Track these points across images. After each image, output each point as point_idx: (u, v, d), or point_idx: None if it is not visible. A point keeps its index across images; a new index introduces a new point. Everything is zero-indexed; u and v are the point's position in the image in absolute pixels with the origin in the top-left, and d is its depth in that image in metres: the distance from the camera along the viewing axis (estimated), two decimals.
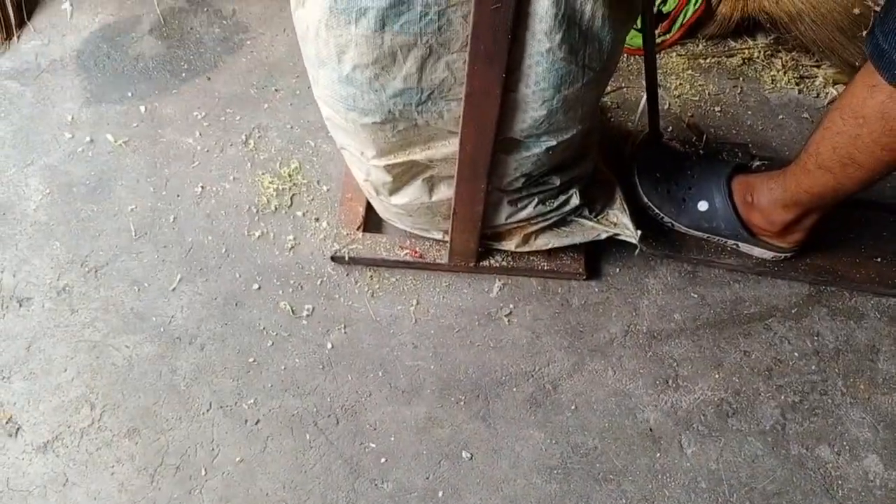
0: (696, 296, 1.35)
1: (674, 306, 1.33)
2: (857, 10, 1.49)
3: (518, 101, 1.04)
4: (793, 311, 1.33)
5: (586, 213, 1.30)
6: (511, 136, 1.10)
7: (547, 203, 1.23)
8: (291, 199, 1.45)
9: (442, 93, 1.04)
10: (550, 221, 1.26)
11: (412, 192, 1.23)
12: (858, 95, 1.02)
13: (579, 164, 1.22)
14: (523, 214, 1.24)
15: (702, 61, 1.63)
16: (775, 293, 1.36)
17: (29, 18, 1.70)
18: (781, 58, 1.62)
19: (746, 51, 1.63)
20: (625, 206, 1.31)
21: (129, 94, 1.58)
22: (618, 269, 1.38)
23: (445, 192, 1.22)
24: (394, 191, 1.24)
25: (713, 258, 1.36)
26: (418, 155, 1.16)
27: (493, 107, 1.02)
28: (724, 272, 1.38)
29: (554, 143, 1.10)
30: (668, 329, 1.31)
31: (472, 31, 0.92)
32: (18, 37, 1.67)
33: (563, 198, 1.25)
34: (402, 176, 1.21)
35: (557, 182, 1.22)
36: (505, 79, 0.99)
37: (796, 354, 1.29)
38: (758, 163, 1.43)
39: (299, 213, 1.43)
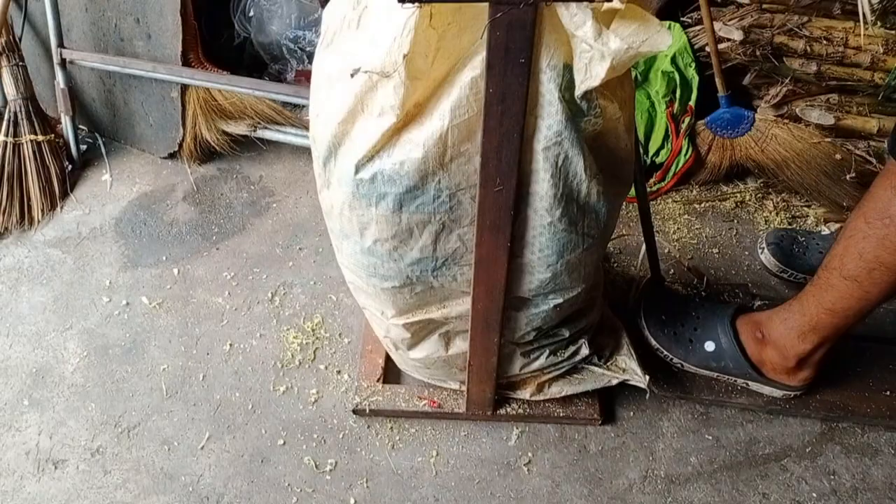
0: (710, 438, 1.38)
1: (689, 449, 1.36)
2: (838, 156, 1.60)
3: (524, 265, 1.13)
4: (807, 450, 1.35)
5: (596, 360, 1.36)
6: (520, 295, 1.18)
7: (558, 354, 1.29)
8: (314, 352, 1.52)
9: (455, 259, 1.13)
10: (562, 370, 1.32)
11: (429, 347, 1.30)
12: (882, 198, 1.08)
13: (586, 315, 1.29)
14: (536, 365, 1.30)
15: (697, 206, 1.74)
16: (788, 431, 1.38)
17: (72, 190, 1.86)
18: (772, 199, 1.73)
19: (738, 194, 1.74)
20: (632, 351, 1.36)
21: (164, 258, 1.70)
22: (632, 413, 1.42)
23: (461, 345, 1.29)
24: (412, 346, 1.31)
25: (724, 398, 1.40)
26: (435, 313, 1.23)
27: (500, 271, 1.11)
28: (736, 412, 1.41)
29: (560, 300, 1.18)
30: (686, 473, 1.33)
31: (479, 208, 1.02)
32: (62, 207, 1.82)
33: (572, 348, 1.32)
34: (419, 332, 1.28)
35: (567, 334, 1.28)
36: (510, 247, 1.08)
37: (814, 495, 1.30)
38: (759, 303, 1.49)
39: (322, 367, 1.50)
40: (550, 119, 0.93)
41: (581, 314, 1.28)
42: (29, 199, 1.78)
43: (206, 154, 1.89)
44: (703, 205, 1.74)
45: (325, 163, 1.12)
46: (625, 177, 1.11)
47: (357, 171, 1.04)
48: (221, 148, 1.86)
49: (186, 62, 1.72)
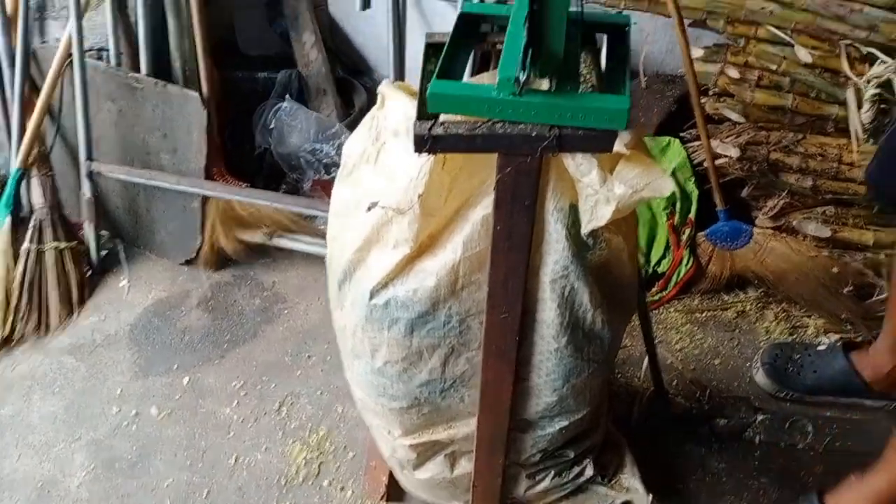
0: None
1: None
2: (835, 269, 1.65)
3: (531, 388, 1.15)
4: None
5: (600, 479, 1.36)
6: (526, 417, 1.20)
7: (563, 475, 1.30)
8: (319, 467, 1.52)
9: (463, 382, 1.16)
10: (567, 491, 1.32)
11: (435, 468, 1.30)
12: None
13: (591, 435, 1.30)
14: (541, 487, 1.30)
15: (698, 315, 1.77)
16: None
17: (90, 296, 1.90)
18: (772, 309, 1.76)
19: (739, 304, 1.77)
20: (635, 469, 1.37)
21: (175, 367, 1.72)
22: None
23: (466, 466, 1.29)
24: (418, 466, 1.31)
25: None
26: (441, 434, 1.25)
27: (506, 395, 1.13)
28: None
29: (566, 423, 1.19)
30: None
31: (485, 334, 1.06)
32: (79, 313, 1.86)
33: (577, 469, 1.32)
34: (425, 452, 1.29)
35: (572, 454, 1.29)
36: (516, 371, 1.10)
37: None
38: (761, 417, 1.51)
39: (325, 483, 1.49)
40: (557, 255, 0.97)
41: (586, 435, 1.29)
42: (48, 306, 1.82)
43: (222, 260, 1.94)
44: (704, 314, 1.77)
45: (341, 285, 1.16)
46: (628, 303, 1.15)
47: (371, 296, 1.08)
48: (237, 255, 1.92)
49: (209, 175, 1.80)
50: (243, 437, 1.58)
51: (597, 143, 0.85)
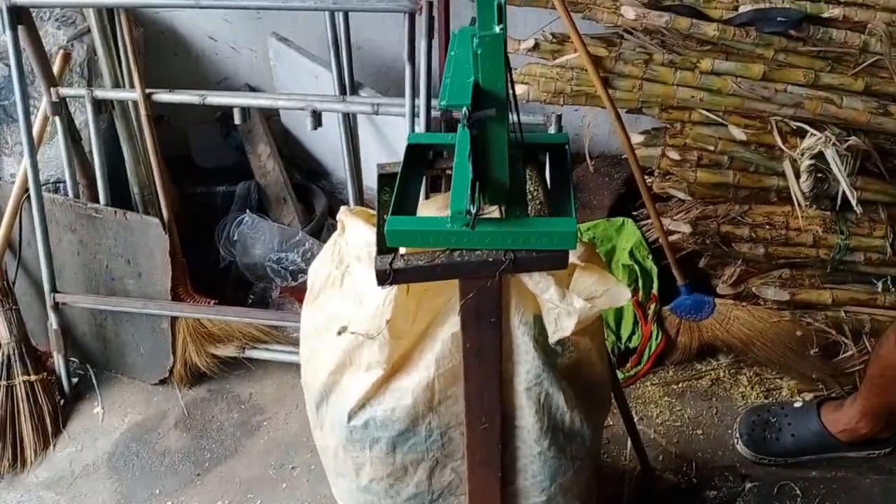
0: None
1: None
2: (799, 332, 1.70)
3: (518, 490, 1.16)
4: None
5: None
6: None
7: None
8: None
9: (451, 491, 1.16)
10: None
11: None
12: None
13: None
14: None
15: (674, 386, 1.80)
16: None
17: (64, 426, 1.87)
18: (745, 374, 1.80)
19: (712, 371, 1.81)
20: None
21: (157, 491, 1.69)
22: None
23: None
24: None
25: None
26: None
27: (494, 501, 1.14)
28: None
29: None
30: None
31: (468, 445, 1.07)
32: (54, 445, 1.82)
33: None
34: None
35: None
36: (502, 477, 1.12)
37: None
38: (749, 484, 1.52)
39: None
40: (528, 364, 1.00)
41: None
42: (21, 441, 1.78)
43: (196, 377, 1.93)
44: (680, 385, 1.81)
45: (318, 407, 1.17)
46: (603, 397, 1.18)
47: (350, 418, 1.09)
48: (211, 370, 1.91)
49: (176, 296, 1.81)
50: None
51: (551, 262, 0.89)
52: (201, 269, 2.06)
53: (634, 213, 1.87)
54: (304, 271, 1.99)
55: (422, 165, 1.05)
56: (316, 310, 1.17)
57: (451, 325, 1.00)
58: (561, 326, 0.94)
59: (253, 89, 2.33)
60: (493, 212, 0.92)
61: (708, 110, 1.67)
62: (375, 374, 1.03)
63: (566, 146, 1.03)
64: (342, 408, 1.10)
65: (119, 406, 1.92)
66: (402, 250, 0.91)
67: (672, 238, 1.75)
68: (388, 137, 2.13)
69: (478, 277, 0.90)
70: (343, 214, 1.12)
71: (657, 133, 1.78)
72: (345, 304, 1.10)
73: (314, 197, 2.19)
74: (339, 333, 1.05)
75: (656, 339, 1.80)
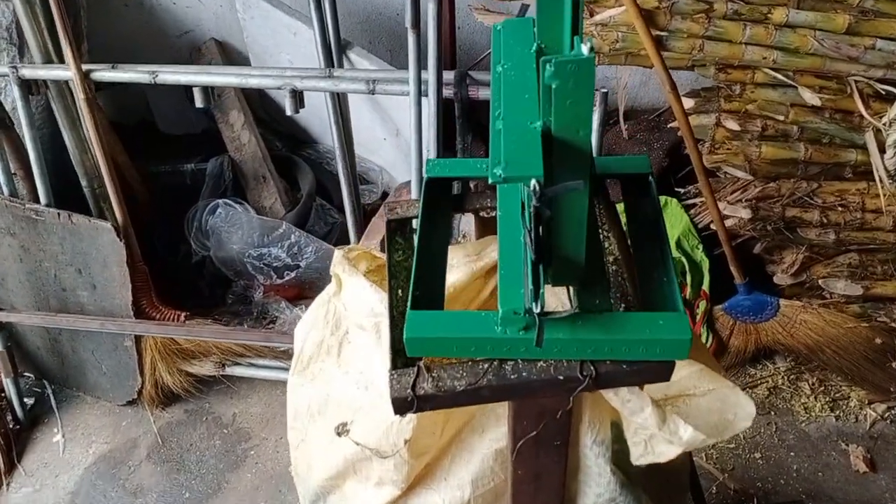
0: None
1: None
2: (878, 340, 1.44)
3: None
4: None
5: None
6: None
7: None
8: None
9: None
10: None
11: None
12: None
13: None
14: None
15: None
16: None
17: (20, 459, 1.62)
18: (808, 380, 1.56)
19: (769, 378, 1.57)
20: None
21: None
22: None
23: None
24: None
25: None
26: None
27: None
28: None
29: None
30: None
31: None
32: (8, 484, 1.57)
33: None
34: None
35: None
36: None
37: None
38: None
39: None
40: (600, 488, 0.74)
41: None
42: None
43: (169, 397, 1.67)
44: None
45: (314, 503, 0.91)
46: (681, 483, 0.92)
47: None
48: (186, 390, 1.64)
49: (139, 310, 1.52)
50: None
51: (648, 377, 0.61)
52: (171, 264, 1.77)
53: (680, 192, 1.58)
54: (291, 268, 1.69)
55: (447, 207, 0.75)
56: (306, 381, 0.90)
57: (494, 439, 0.73)
58: (654, 451, 0.67)
59: (220, 44, 1.97)
60: (558, 301, 0.63)
61: (774, 69, 1.35)
62: (390, 492, 0.77)
63: (650, 178, 0.73)
64: None
65: (83, 432, 1.66)
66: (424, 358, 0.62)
67: (728, 223, 1.46)
68: (380, 102, 1.80)
69: (540, 399, 0.62)
70: (338, 265, 0.83)
71: (708, 95, 1.47)
72: (345, 384, 0.83)
73: (299, 172, 1.87)
74: (339, 434, 0.78)
75: (706, 342, 1.54)
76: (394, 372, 0.61)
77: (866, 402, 1.51)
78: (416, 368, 0.61)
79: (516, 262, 0.61)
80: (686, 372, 0.69)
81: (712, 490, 1.42)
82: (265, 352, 1.60)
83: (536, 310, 0.56)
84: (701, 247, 1.55)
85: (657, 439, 0.65)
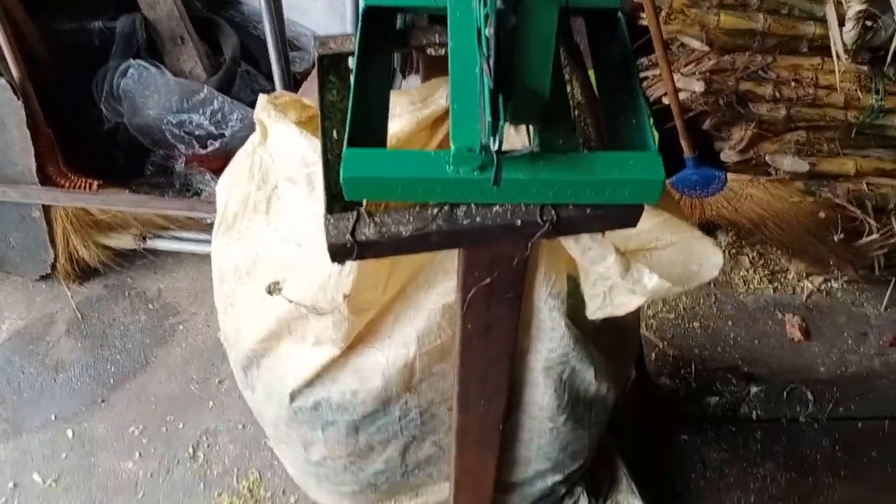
0: None
1: None
2: (822, 214, 1.44)
3: (518, 459, 0.92)
4: None
5: (594, 501, 1.17)
6: (513, 481, 0.97)
7: None
8: None
9: (430, 462, 0.92)
10: None
11: None
12: None
13: (583, 464, 1.09)
14: None
15: None
16: None
17: None
18: (748, 255, 1.57)
19: None
20: (631, 484, 1.18)
21: (53, 417, 1.38)
22: None
23: None
24: None
25: None
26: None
27: (488, 478, 0.90)
28: None
29: (560, 477, 0.98)
30: None
31: (459, 427, 0.80)
32: None
33: (570, 501, 1.12)
34: None
35: (563, 490, 1.09)
36: (500, 449, 0.86)
37: None
38: (755, 389, 1.34)
39: None
40: (553, 343, 0.70)
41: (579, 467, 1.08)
42: None
43: (87, 271, 1.56)
44: None
45: (246, 369, 0.87)
46: (632, 343, 0.90)
47: (293, 399, 0.80)
48: (104, 264, 1.54)
49: (45, 177, 1.38)
50: (156, 495, 1.29)
51: (613, 221, 0.55)
52: (80, 132, 1.61)
53: None
54: (214, 136, 1.56)
55: (389, 41, 0.65)
56: (232, 241, 0.82)
57: (441, 293, 0.68)
58: (613, 303, 0.63)
59: None
60: (517, 139, 0.56)
61: None
62: (328, 351, 0.72)
63: (619, 14, 0.65)
64: (281, 383, 0.80)
65: None
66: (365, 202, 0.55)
67: (680, 96, 1.41)
68: None
69: (495, 246, 0.56)
70: (263, 111, 0.73)
71: None
72: (275, 242, 0.75)
73: (221, 34, 1.70)
74: (270, 292, 0.72)
75: None
76: (330, 217, 0.54)
77: (804, 274, 1.54)
78: (355, 213, 0.53)
79: (471, 95, 0.53)
80: (649, 224, 0.64)
81: (651, 357, 1.43)
82: (189, 224, 1.50)
83: (494, 146, 0.49)
84: (651, 120, 1.50)
85: (618, 289, 0.60)
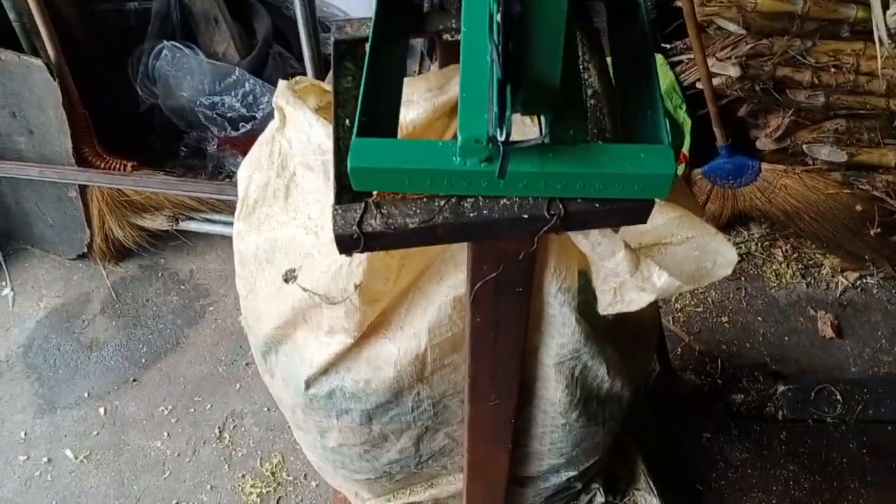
0: None
1: None
2: (859, 207, 1.40)
3: (531, 453, 0.92)
4: None
5: (611, 498, 1.16)
6: (526, 475, 0.97)
7: None
8: (278, 502, 1.29)
9: (444, 453, 0.92)
10: None
11: None
12: None
13: (600, 460, 1.08)
14: None
15: None
16: None
17: None
18: (781, 247, 1.52)
19: (742, 244, 1.53)
20: (649, 481, 1.17)
21: (86, 394, 1.43)
22: None
23: None
24: None
25: None
26: (421, 495, 1.03)
27: (501, 471, 0.90)
28: None
29: (575, 473, 0.98)
30: None
31: (470, 421, 0.80)
32: None
33: (585, 498, 1.12)
34: None
35: (579, 486, 1.08)
36: (512, 444, 0.86)
37: None
38: (782, 388, 1.31)
39: None
40: (564, 339, 0.69)
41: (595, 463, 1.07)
42: None
43: (122, 251, 1.59)
44: None
45: (265, 355, 0.88)
46: (649, 342, 0.89)
47: (308, 386, 0.80)
48: (138, 245, 1.57)
49: (81, 158, 1.42)
50: (182, 475, 1.33)
51: (623, 216, 0.54)
52: (118, 113, 1.64)
53: (667, 47, 1.47)
54: (246, 119, 1.58)
55: (404, 27, 0.65)
56: (252, 227, 0.82)
57: (452, 286, 0.67)
58: (624, 300, 0.61)
59: None
60: (528, 129, 0.55)
61: None
62: (341, 340, 0.73)
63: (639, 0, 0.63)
64: (297, 370, 0.81)
65: (32, 286, 1.59)
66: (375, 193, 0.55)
67: (714, 81, 1.37)
68: None
69: (502, 240, 0.55)
70: (282, 97, 0.73)
71: None
72: (293, 229, 0.75)
73: (255, 16, 1.71)
74: (287, 280, 0.72)
75: None
76: (338, 207, 0.54)
77: (839, 269, 1.49)
78: (363, 204, 0.53)
79: (480, 84, 0.52)
80: (664, 219, 0.63)
81: (677, 351, 1.41)
82: (221, 206, 1.52)
83: (501, 137, 0.48)
84: (684, 107, 1.46)
85: (628, 286, 0.59)
